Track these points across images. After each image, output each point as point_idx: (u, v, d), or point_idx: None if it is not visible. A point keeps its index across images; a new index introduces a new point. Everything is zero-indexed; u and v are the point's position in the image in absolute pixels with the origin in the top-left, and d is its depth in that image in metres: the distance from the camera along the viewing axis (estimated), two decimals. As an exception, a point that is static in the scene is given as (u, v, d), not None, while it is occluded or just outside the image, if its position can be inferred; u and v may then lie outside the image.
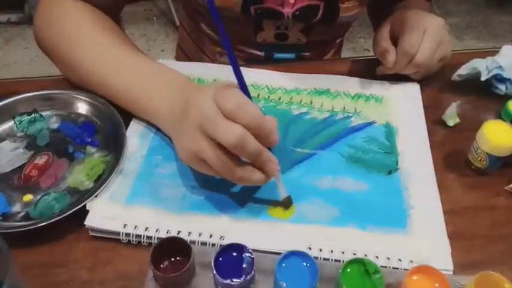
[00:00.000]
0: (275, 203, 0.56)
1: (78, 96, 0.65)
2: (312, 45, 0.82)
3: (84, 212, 0.54)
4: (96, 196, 0.55)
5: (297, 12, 0.73)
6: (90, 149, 0.61)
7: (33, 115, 0.64)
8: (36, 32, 0.69)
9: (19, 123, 0.63)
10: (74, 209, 0.53)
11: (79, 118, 0.65)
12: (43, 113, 0.64)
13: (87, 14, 0.66)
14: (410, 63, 0.67)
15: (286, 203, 0.56)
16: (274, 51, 0.82)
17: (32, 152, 0.61)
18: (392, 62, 0.67)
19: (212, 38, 0.83)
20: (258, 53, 0.82)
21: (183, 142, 0.53)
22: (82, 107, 0.65)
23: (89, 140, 0.62)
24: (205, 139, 0.49)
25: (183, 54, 0.94)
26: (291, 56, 0.83)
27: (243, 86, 0.53)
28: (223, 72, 0.71)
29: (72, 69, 0.66)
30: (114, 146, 0.60)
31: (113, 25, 0.69)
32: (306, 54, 0.84)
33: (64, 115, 0.65)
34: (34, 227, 0.52)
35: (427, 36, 0.66)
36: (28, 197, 0.56)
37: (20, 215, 0.55)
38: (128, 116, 0.64)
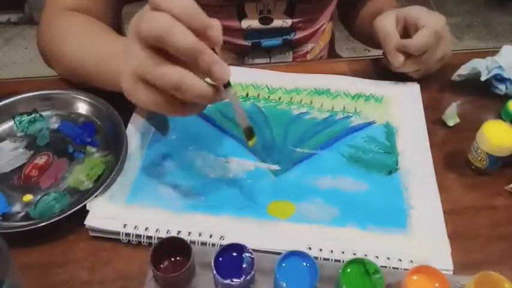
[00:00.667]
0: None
1: (78, 96, 0.65)
2: (297, 27, 0.82)
3: (84, 212, 0.54)
4: (96, 196, 0.55)
5: None
6: (90, 149, 0.61)
7: (33, 115, 0.64)
8: (40, 50, 0.70)
9: (19, 123, 0.63)
10: (74, 209, 0.53)
11: (79, 118, 0.65)
12: (43, 113, 0.64)
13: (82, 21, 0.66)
14: (410, 58, 0.67)
15: (247, 134, 0.51)
16: (260, 39, 0.82)
17: (32, 152, 0.61)
18: (400, 64, 0.67)
19: None
20: (245, 43, 0.82)
21: (124, 65, 0.48)
22: (82, 107, 0.65)
23: (89, 140, 0.62)
24: (143, 49, 0.44)
25: None
26: (278, 42, 0.83)
27: None
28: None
29: (59, 65, 0.66)
30: (114, 146, 0.60)
31: (102, 24, 0.67)
32: (293, 39, 0.84)
33: (64, 115, 0.65)
34: (34, 227, 0.52)
35: (428, 27, 0.65)
36: (28, 197, 0.56)
37: (20, 215, 0.55)
38: (128, 116, 0.64)
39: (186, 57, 0.43)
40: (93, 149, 0.61)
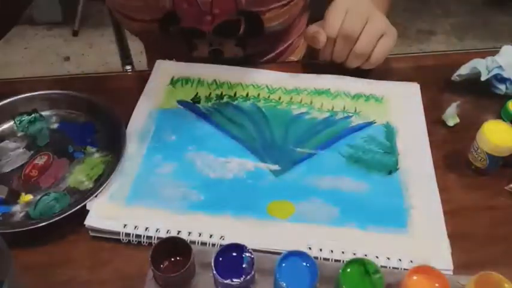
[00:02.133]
0: None
1: (78, 96, 0.65)
2: (250, 57, 0.80)
3: (84, 212, 0.54)
4: (96, 196, 0.55)
5: (218, 28, 0.73)
6: (90, 149, 0.61)
7: (33, 115, 0.64)
8: None
9: (19, 123, 0.63)
10: (74, 209, 0.53)
11: (79, 118, 0.65)
12: (43, 113, 0.64)
13: None
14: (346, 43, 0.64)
15: None
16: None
17: (32, 152, 0.61)
18: (324, 42, 0.64)
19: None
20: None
21: None
22: (82, 107, 0.65)
23: (89, 140, 0.62)
24: None
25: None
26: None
27: None
28: (223, 73, 0.72)
29: None
30: (114, 146, 0.60)
31: None
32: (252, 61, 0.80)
33: (64, 115, 0.65)
34: (34, 227, 0.52)
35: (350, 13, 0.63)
36: (28, 197, 0.56)
37: (20, 215, 0.55)
38: (128, 116, 0.64)
39: None
40: (93, 149, 0.61)
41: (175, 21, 0.72)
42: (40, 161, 0.60)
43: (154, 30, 0.73)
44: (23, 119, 0.63)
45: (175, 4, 0.70)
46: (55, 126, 0.64)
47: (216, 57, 0.78)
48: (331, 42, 0.65)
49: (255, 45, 0.79)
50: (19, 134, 0.63)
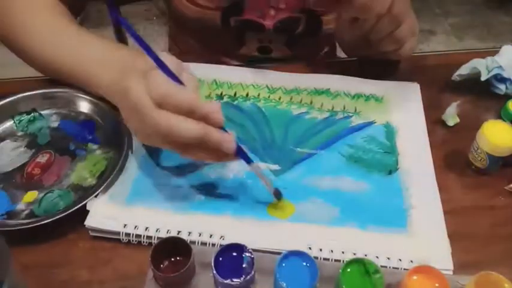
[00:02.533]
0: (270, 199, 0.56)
1: (77, 94, 0.65)
2: (296, 58, 0.81)
3: (85, 211, 0.54)
4: (100, 192, 0.55)
5: (278, 24, 0.73)
6: (92, 146, 0.61)
7: (32, 114, 0.64)
8: None
9: (18, 123, 0.63)
10: (80, 205, 0.53)
11: (79, 116, 0.65)
12: (43, 112, 0.64)
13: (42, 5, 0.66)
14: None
15: (277, 196, 0.55)
16: (258, 64, 0.81)
17: (33, 151, 0.61)
18: (375, 12, 0.60)
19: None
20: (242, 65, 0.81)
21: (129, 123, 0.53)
22: (82, 105, 0.65)
23: (90, 137, 0.62)
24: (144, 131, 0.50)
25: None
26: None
27: (166, 71, 0.50)
28: (223, 73, 0.72)
29: (24, 54, 0.66)
30: (116, 143, 0.60)
31: (64, 10, 0.67)
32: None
33: (64, 113, 0.65)
34: (40, 223, 0.52)
35: None
36: (32, 195, 0.56)
37: (25, 212, 0.55)
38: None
39: (195, 142, 0.48)
40: (94, 146, 0.61)
41: (238, 12, 0.72)
42: (42, 159, 0.60)
43: (213, 18, 0.72)
44: (22, 118, 0.64)
45: None
46: (55, 124, 0.64)
47: (264, 55, 0.79)
48: (376, 18, 0.62)
49: (304, 45, 0.79)
50: (19, 134, 0.63)
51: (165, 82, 0.48)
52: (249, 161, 0.54)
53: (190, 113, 0.48)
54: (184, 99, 0.48)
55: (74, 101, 0.66)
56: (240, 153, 0.52)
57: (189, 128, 0.48)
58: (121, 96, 0.52)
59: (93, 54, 0.61)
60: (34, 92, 0.65)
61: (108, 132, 0.63)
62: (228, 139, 0.50)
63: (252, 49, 0.78)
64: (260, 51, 0.78)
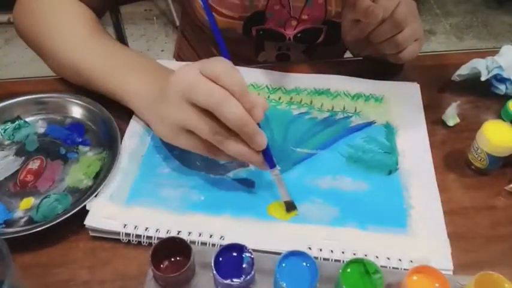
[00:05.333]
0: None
1: (67, 98, 0.65)
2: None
3: (84, 212, 0.53)
4: (98, 193, 0.55)
5: (299, 35, 0.73)
6: (83, 148, 0.61)
7: (16, 122, 0.63)
8: (17, 22, 0.69)
9: (4, 132, 0.63)
10: (79, 207, 0.53)
11: (65, 120, 0.65)
12: (28, 119, 0.64)
13: (71, 8, 0.67)
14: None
15: (287, 207, 0.55)
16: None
17: (23, 158, 0.60)
18: (379, 17, 0.60)
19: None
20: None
21: (165, 116, 0.53)
22: (69, 109, 0.65)
23: (80, 139, 0.62)
24: (190, 107, 0.50)
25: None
26: None
27: (225, 54, 0.52)
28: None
29: (50, 56, 0.66)
30: (108, 142, 0.60)
31: (93, 17, 0.69)
32: None
33: (49, 118, 0.65)
34: (40, 228, 0.51)
35: None
36: (28, 202, 0.56)
37: (23, 220, 0.54)
38: (128, 116, 0.64)
39: (232, 126, 0.49)
40: (85, 148, 0.61)
41: (260, 21, 0.72)
42: (33, 165, 0.60)
43: (235, 28, 0.73)
44: (7, 127, 0.63)
45: (269, 4, 0.71)
46: (42, 130, 0.64)
47: (282, 61, 0.79)
48: (378, 21, 0.62)
49: (322, 53, 0.79)
50: (6, 143, 0.62)
51: (222, 61, 0.49)
52: (272, 165, 0.54)
53: (240, 96, 0.48)
54: (240, 80, 0.48)
55: (59, 105, 0.65)
56: (266, 154, 0.53)
57: (237, 107, 0.48)
58: (167, 88, 0.52)
59: (123, 61, 0.62)
60: (17, 99, 0.64)
61: (98, 132, 0.63)
62: (262, 134, 0.50)
63: (271, 56, 0.78)
64: (278, 58, 0.79)
